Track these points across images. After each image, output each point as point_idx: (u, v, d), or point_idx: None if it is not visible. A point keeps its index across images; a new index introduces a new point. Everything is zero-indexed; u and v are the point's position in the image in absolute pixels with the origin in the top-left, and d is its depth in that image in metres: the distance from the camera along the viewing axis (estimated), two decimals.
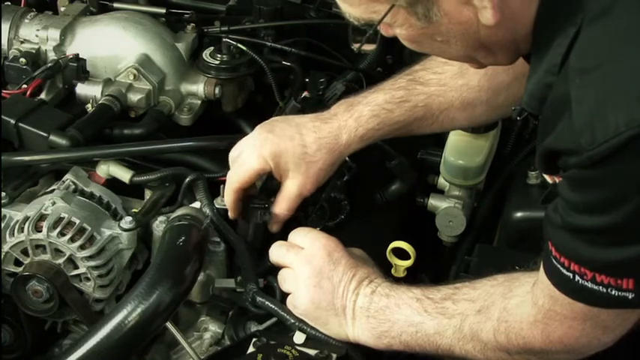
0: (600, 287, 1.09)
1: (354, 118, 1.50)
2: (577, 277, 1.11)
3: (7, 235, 1.40)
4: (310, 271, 1.36)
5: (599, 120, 1.00)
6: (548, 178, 1.25)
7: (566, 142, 1.05)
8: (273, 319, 1.41)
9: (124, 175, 1.54)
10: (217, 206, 1.51)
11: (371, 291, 1.35)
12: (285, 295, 1.39)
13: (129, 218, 1.43)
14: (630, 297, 1.08)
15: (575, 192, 1.07)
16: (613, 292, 1.09)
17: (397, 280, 1.40)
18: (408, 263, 1.47)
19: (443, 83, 1.52)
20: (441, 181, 1.71)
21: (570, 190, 1.08)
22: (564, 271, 1.12)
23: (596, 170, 1.02)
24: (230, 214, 1.49)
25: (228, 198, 1.48)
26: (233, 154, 1.50)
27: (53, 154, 1.55)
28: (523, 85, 1.41)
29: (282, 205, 1.49)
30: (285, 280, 1.39)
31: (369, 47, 1.56)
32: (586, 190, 1.06)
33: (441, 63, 1.53)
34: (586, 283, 1.10)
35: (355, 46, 1.73)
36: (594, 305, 1.13)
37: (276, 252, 1.42)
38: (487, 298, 1.27)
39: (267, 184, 1.51)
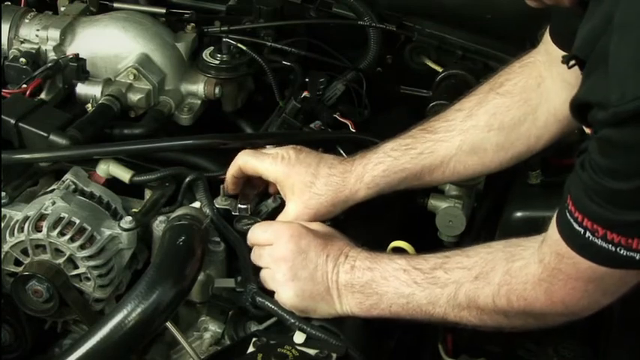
0: (610, 245, 1.10)
1: (363, 164, 1.50)
2: (588, 234, 1.11)
3: (7, 235, 1.40)
4: (283, 267, 1.38)
5: (632, 79, 1.00)
6: (585, 128, 1.25)
7: (597, 96, 1.06)
8: (273, 319, 1.41)
9: (124, 175, 1.54)
10: (217, 206, 1.51)
11: (350, 267, 1.37)
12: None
13: (129, 218, 1.43)
14: (637, 257, 1.09)
15: (601, 155, 1.08)
16: (621, 252, 1.09)
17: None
18: None
19: (451, 129, 1.51)
20: None
21: (597, 152, 1.09)
22: (576, 226, 1.13)
23: (621, 130, 1.03)
24: (226, 186, 1.54)
25: (231, 170, 1.52)
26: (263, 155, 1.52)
27: (53, 152, 1.55)
28: (536, 122, 1.43)
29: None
30: (266, 281, 1.41)
31: None
32: (612, 155, 1.06)
33: (453, 110, 1.53)
34: (596, 240, 1.11)
35: None
36: (600, 264, 1.14)
37: (253, 255, 1.44)
38: (485, 264, 1.28)
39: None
